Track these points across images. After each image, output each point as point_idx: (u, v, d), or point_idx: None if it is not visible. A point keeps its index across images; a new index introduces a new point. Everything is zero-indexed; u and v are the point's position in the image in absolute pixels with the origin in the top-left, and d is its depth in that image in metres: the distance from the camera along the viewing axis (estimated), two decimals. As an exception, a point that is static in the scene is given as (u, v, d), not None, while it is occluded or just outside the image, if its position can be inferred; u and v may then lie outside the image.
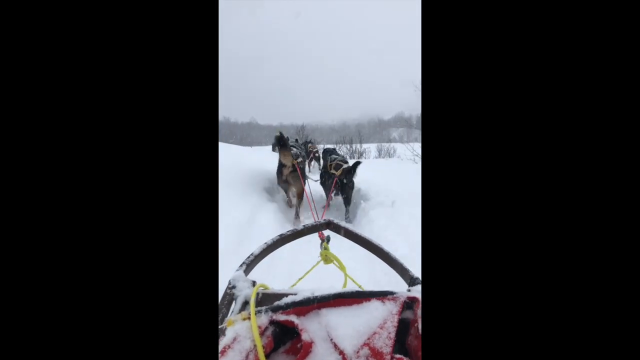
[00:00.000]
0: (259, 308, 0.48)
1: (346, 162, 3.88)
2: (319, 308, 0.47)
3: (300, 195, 3.52)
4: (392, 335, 0.44)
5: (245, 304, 0.58)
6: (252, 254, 0.77)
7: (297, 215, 3.51)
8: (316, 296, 0.48)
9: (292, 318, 0.46)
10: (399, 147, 11.54)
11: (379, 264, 0.90)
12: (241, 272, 0.68)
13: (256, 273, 0.77)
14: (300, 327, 0.45)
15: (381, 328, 0.45)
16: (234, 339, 0.43)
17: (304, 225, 0.91)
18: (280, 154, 3.53)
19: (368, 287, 0.60)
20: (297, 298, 0.48)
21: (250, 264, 0.74)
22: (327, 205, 3.37)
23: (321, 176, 4.03)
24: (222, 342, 0.43)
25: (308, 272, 0.95)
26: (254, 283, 0.65)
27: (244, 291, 0.61)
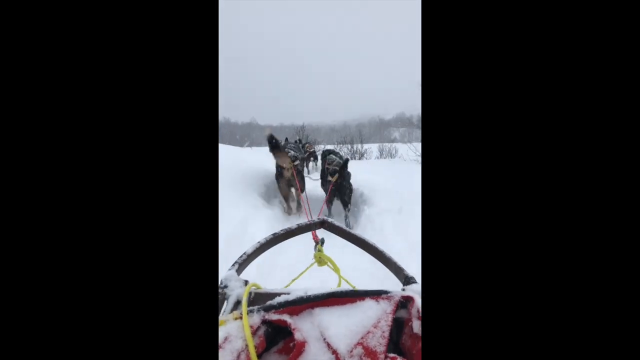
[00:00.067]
0: (251, 307, 0.47)
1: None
2: (312, 307, 0.47)
3: (299, 197, 3.48)
4: (386, 334, 0.43)
5: (238, 303, 0.57)
6: (244, 253, 0.76)
7: (290, 209, 3.51)
8: (309, 295, 0.47)
9: (285, 317, 0.45)
10: (401, 147, 11.30)
11: (374, 263, 0.88)
12: (233, 272, 0.67)
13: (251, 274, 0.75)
14: (293, 326, 0.44)
15: (375, 327, 0.44)
16: (226, 339, 0.43)
17: (297, 225, 0.89)
18: (275, 157, 3.38)
19: (363, 287, 0.59)
20: (290, 297, 0.48)
21: (242, 264, 0.73)
22: (322, 208, 3.25)
23: (321, 177, 3.99)
24: (218, 341, 0.43)
25: (302, 273, 0.93)
26: (246, 282, 0.64)
27: (236, 290, 0.60)
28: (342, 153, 5.95)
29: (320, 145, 12.27)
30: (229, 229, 2.48)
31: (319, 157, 5.53)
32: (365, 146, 13.05)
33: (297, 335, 0.43)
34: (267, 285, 0.67)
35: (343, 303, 0.47)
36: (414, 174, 4.88)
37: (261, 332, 0.45)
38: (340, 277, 0.84)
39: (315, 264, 0.94)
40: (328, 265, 0.89)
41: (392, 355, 0.42)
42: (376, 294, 0.49)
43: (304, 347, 0.42)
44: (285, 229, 0.87)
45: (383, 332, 0.44)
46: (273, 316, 0.46)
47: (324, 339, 0.43)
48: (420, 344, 0.44)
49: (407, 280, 0.68)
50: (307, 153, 6.29)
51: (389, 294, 0.49)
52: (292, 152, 3.72)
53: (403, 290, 0.55)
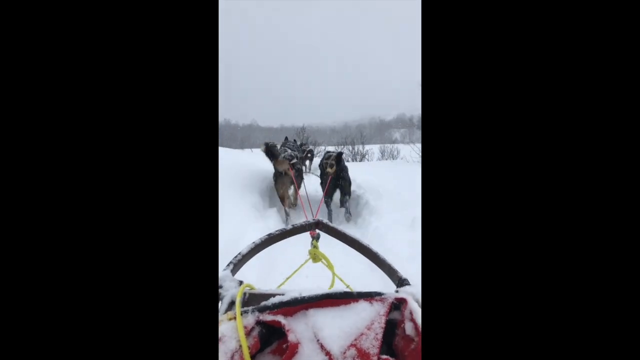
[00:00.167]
0: (245, 308, 0.47)
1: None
2: (306, 308, 0.47)
3: (295, 197, 3.51)
4: (379, 336, 0.44)
5: (232, 304, 0.57)
6: (239, 253, 0.76)
7: (288, 216, 3.49)
8: (304, 297, 0.47)
9: (279, 318, 0.45)
10: (403, 148, 11.16)
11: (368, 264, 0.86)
12: (228, 272, 0.67)
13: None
14: (287, 327, 0.44)
15: (368, 329, 0.44)
16: (220, 339, 0.43)
17: (292, 225, 0.90)
18: (274, 164, 3.44)
19: (357, 286, 0.59)
20: (285, 298, 0.48)
21: (237, 264, 0.73)
22: (320, 206, 3.27)
23: (320, 177, 4.04)
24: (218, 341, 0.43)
25: (296, 270, 0.94)
26: (240, 283, 0.64)
27: (230, 291, 0.60)
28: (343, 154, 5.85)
29: (321, 147, 12.16)
30: (227, 235, 2.33)
31: (316, 157, 5.45)
32: (367, 147, 12.91)
33: (291, 337, 0.43)
34: (264, 286, 0.67)
35: (337, 304, 0.47)
36: (419, 177, 4.62)
37: (255, 332, 0.45)
38: (334, 274, 0.84)
39: (310, 261, 0.94)
40: (322, 262, 0.89)
41: (384, 357, 0.42)
42: (370, 296, 0.49)
43: (297, 348, 0.42)
44: (281, 230, 0.87)
45: (376, 333, 0.44)
46: (267, 317, 0.46)
47: (318, 340, 0.43)
48: (412, 346, 0.44)
49: (400, 282, 0.68)
50: (305, 152, 6.28)
51: (382, 296, 0.49)
52: (289, 150, 3.75)
53: (396, 292, 0.54)
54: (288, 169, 3.38)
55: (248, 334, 0.44)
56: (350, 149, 12.03)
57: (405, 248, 2.31)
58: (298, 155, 3.91)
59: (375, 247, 0.81)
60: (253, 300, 0.61)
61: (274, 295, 0.51)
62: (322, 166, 3.91)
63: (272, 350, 0.45)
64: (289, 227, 0.89)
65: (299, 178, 3.55)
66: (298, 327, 0.45)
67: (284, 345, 0.43)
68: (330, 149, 8.34)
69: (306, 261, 0.95)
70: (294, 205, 3.58)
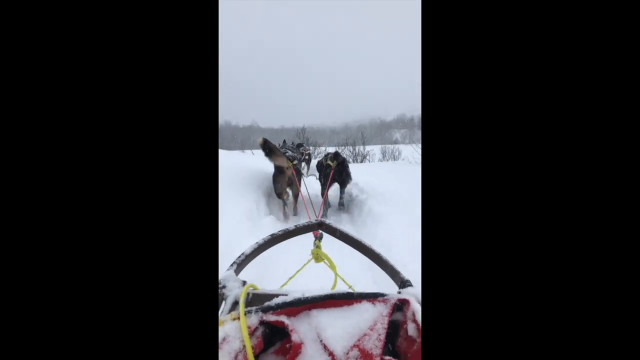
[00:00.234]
0: (249, 308, 0.47)
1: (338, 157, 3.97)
2: (310, 309, 0.47)
3: (296, 195, 3.49)
4: (382, 337, 0.43)
5: (235, 304, 0.57)
6: (242, 254, 0.76)
7: (295, 213, 3.48)
8: (307, 297, 0.47)
9: (283, 318, 0.45)
10: (404, 149, 11.06)
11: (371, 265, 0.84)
12: (231, 272, 0.67)
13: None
14: (290, 327, 0.44)
15: (371, 330, 0.44)
16: (223, 339, 0.43)
17: (295, 225, 0.90)
18: (273, 159, 3.35)
19: (359, 286, 0.60)
20: (288, 299, 0.48)
21: (240, 264, 0.73)
22: (324, 200, 3.28)
23: (319, 172, 4.09)
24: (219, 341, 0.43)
25: (299, 270, 0.94)
26: (244, 283, 0.63)
27: (234, 291, 0.60)
28: (343, 155, 5.80)
29: (321, 147, 12.07)
30: (226, 236, 2.20)
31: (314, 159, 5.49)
32: (367, 148, 12.79)
33: (294, 337, 0.43)
34: (267, 285, 0.66)
35: (340, 305, 0.47)
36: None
37: (259, 332, 0.45)
38: (336, 274, 0.84)
39: (313, 261, 0.94)
40: (325, 262, 0.89)
41: (387, 357, 0.42)
42: (372, 297, 0.48)
43: (301, 348, 0.42)
44: (284, 230, 0.87)
45: (379, 334, 0.44)
46: (271, 317, 0.46)
47: (321, 341, 0.43)
48: (414, 347, 0.44)
49: (403, 283, 0.68)
50: (303, 155, 6.26)
51: (385, 297, 0.49)
52: (290, 152, 3.76)
53: (399, 293, 0.55)
54: (287, 167, 3.35)
55: (252, 334, 0.44)
56: (351, 149, 11.91)
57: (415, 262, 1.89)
58: (297, 156, 3.93)
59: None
60: (256, 300, 0.60)
61: (277, 295, 0.51)
62: (320, 165, 3.96)
63: (276, 350, 0.45)
64: (292, 227, 0.88)
65: (298, 175, 3.56)
66: (301, 328, 0.45)
67: (288, 345, 0.43)
68: (331, 150, 8.24)
69: (308, 261, 0.95)
70: (294, 202, 3.55)
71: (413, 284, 0.66)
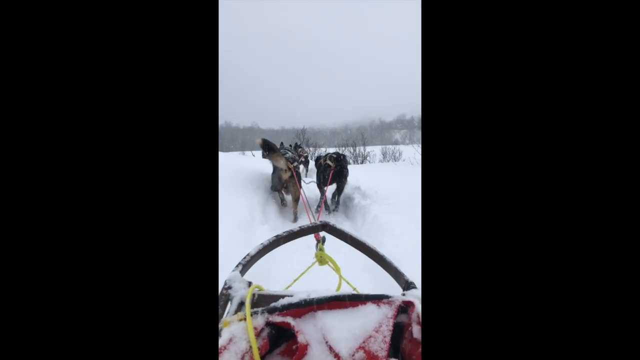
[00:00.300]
0: (255, 309, 0.47)
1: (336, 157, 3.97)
2: (315, 310, 0.47)
3: (297, 199, 3.45)
4: (387, 339, 0.44)
5: (241, 304, 0.57)
6: (248, 255, 0.76)
7: (295, 219, 3.43)
8: (312, 298, 0.47)
9: (289, 320, 0.45)
10: (405, 150, 11.01)
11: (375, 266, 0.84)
12: (237, 273, 0.67)
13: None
14: (296, 329, 0.44)
15: (376, 331, 0.44)
16: (230, 340, 0.43)
17: (300, 227, 0.90)
18: (272, 160, 3.36)
19: (360, 287, 0.61)
20: (294, 300, 0.48)
21: (246, 265, 0.73)
22: (324, 202, 3.27)
23: (317, 173, 4.04)
24: (218, 343, 0.43)
25: (303, 273, 0.94)
26: (249, 284, 0.63)
27: (239, 292, 0.60)
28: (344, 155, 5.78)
29: (322, 148, 12.03)
30: (226, 237, 2.16)
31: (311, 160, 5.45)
32: (368, 149, 12.74)
33: (300, 338, 0.43)
34: (261, 282, 0.67)
35: (345, 307, 0.47)
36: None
37: (265, 333, 0.45)
38: (340, 277, 0.84)
39: (317, 264, 0.94)
40: (329, 265, 0.89)
41: (392, 359, 0.42)
42: (377, 299, 0.48)
43: (307, 350, 0.42)
44: (288, 231, 0.87)
45: (384, 336, 0.44)
46: (277, 318, 0.46)
47: (327, 342, 0.43)
48: (419, 349, 0.44)
49: (407, 285, 0.68)
50: (301, 157, 6.24)
51: (390, 299, 0.49)
52: (290, 153, 3.76)
53: (403, 295, 0.54)
54: (287, 169, 3.35)
55: (258, 334, 0.44)
56: (352, 150, 11.86)
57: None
58: (296, 158, 3.97)
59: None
60: (262, 301, 0.60)
61: (282, 296, 0.52)
62: (319, 165, 3.93)
63: (282, 351, 0.45)
64: (297, 228, 0.88)
65: (298, 176, 3.57)
66: (307, 329, 0.45)
67: (294, 347, 0.43)
68: (331, 151, 8.21)
69: (313, 264, 0.94)
70: (295, 207, 3.51)
71: (417, 286, 0.65)
